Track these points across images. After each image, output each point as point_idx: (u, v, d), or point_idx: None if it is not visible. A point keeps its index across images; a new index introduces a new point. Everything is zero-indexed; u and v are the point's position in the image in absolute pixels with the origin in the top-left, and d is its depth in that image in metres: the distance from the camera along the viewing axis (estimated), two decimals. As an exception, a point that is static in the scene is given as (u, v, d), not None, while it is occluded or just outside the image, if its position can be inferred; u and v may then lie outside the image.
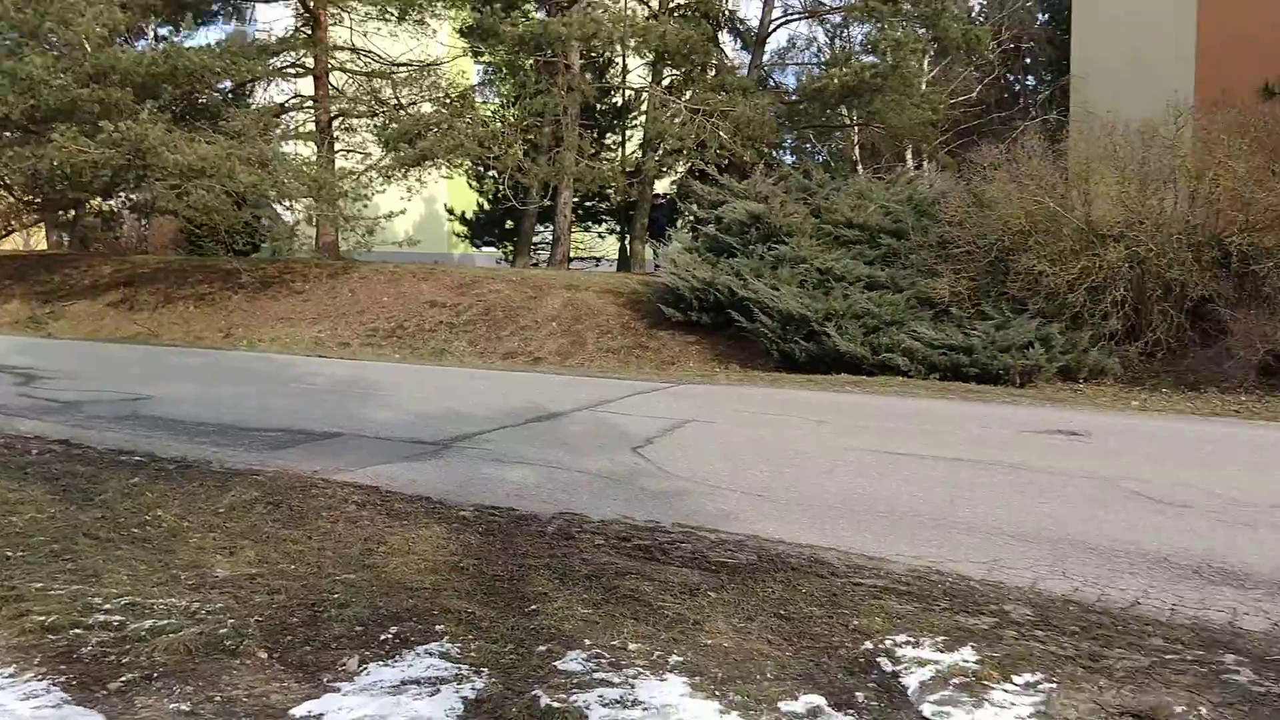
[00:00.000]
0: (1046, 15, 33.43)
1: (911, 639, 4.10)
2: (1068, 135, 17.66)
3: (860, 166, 28.28)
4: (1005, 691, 3.60)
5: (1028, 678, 3.72)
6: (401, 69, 23.92)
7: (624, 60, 27.85)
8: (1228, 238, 14.55)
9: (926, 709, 3.46)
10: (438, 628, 4.14)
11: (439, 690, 3.53)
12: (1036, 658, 3.94)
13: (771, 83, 29.70)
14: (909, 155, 29.42)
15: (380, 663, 3.79)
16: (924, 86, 27.72)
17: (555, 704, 3.42)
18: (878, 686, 3.66)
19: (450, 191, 31.99)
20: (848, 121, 29.33)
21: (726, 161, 22.91)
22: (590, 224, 30.75)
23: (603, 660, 3.80)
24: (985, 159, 16.93)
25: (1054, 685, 3.67)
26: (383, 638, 4.03)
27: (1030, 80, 36.51)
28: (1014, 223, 15.61)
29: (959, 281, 15.81)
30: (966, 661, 3.87)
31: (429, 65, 23.77)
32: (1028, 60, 35.35)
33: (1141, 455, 8.91)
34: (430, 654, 3.85)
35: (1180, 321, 14.62)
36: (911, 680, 3.69)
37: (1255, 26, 18.99)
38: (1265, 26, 18.43)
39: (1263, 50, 17.22)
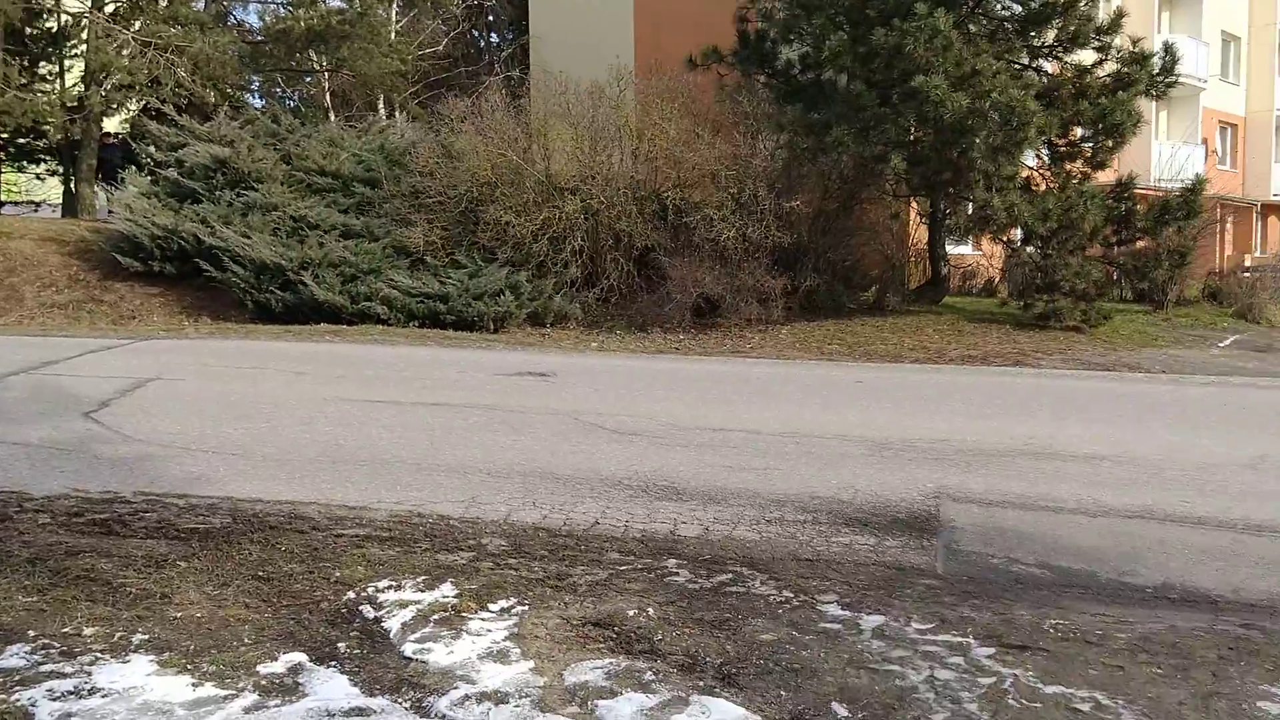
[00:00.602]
0: (507, -25, 34.73)
1: (394, 583, 4.19)
2: (529, 92, 18.63)
3: (332, 114, 27.59)
4: (482, 620, 3.82)
5: (502, 604, 3.98)
6: None
7: (55, -21, 24.57)
8: (664, 193, 16.32)
9: (408, 649, 3.57)
10: None
11: None
12: (510, 584, 4.22)
13: (233, 20, 27.92)
14: (380, 105, 29.25)
15: None
16: (393, 36, 27.66)
17: (-5, 707, 3.06)
18: (361, 634, 3.70)
19: None
20: (317, 67, 28.49)
21: (186, 101, 21.30)
22: (25, 164, 26.85)
23: (52, 650, 3.45)
24: (453, 112, 17.37)
25: (525, 608, 3.96)
26: None
27: (494, 37, 37.85)
28: (481, 174, 16.23)
29: (433, 231, 16.14)
30: (446, 597, 4.04)
31: None
32: (491, 18, 36.58)
33: (600, 391, 9.79)
34: None
35: (629, 269, 16.18)
36: (394, 623, 3.79)
37: (680, 6, 21.34)
38: (688, 8, 20.77)
39: (687, 27, 19.38)
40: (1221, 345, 15.59)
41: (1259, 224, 37.23)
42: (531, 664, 3.44)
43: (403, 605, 3.95)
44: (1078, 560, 4.80)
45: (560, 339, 14.75)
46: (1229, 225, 31.61)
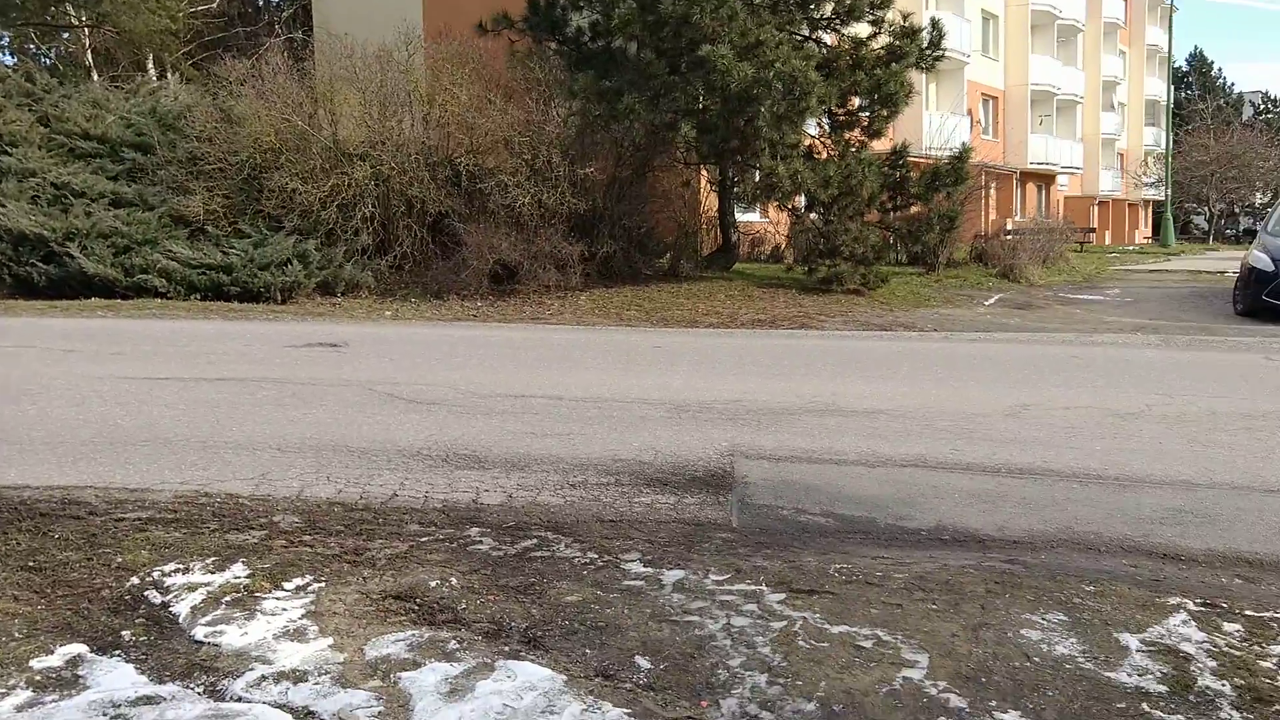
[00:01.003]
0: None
1: (181, 566, 4.01)
2: (312, 55, 17.93)
3: (95, 74, 25.70)
4: (277, 599, 3.70)
5: (298, 582, 3.87)
6: None
7: None
8: (458, 158, 16.09)
9: (199, 632, 3.43)
10: None
11: None
12: (305, 562, 4.10)
13: (-26, -33, 25.51)
14: (150, 65, 27.49)
15: None
16: (161, -9, 26.00)
17: None
18: (147, 621, 3.53)
19: None
20: (75, 22, 26.46)
21: (-79, 56, 19.42)
22: None
23: None
24: (231, 74, 16.53)
25: (322, 584, 3.86)
26: None
27: (274, -5, 36.13)
28: (264, 140, 15.56)
29: (213, 199, 15.38)
30: (238, 578, 3.90)
31: None
32: (269, -26, 34.91)
33: (395, 361, 9.60)
34: None
35: (423, 236, 15.90)
36: (182, 607, 3.63)
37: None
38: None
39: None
40: (987, 303, 16.75)
41: (1019, 190, 40.14)
42: (330, 640, 3.37)
43: (192, 588, 3.79)
44: (859, 508, 5.09)
45: (352, 308, 14.35)
46: (992, 191, 33.92)
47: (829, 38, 17.37)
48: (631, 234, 16.98)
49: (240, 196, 15.59)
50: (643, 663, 3.22)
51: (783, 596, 3.77)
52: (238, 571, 3.96)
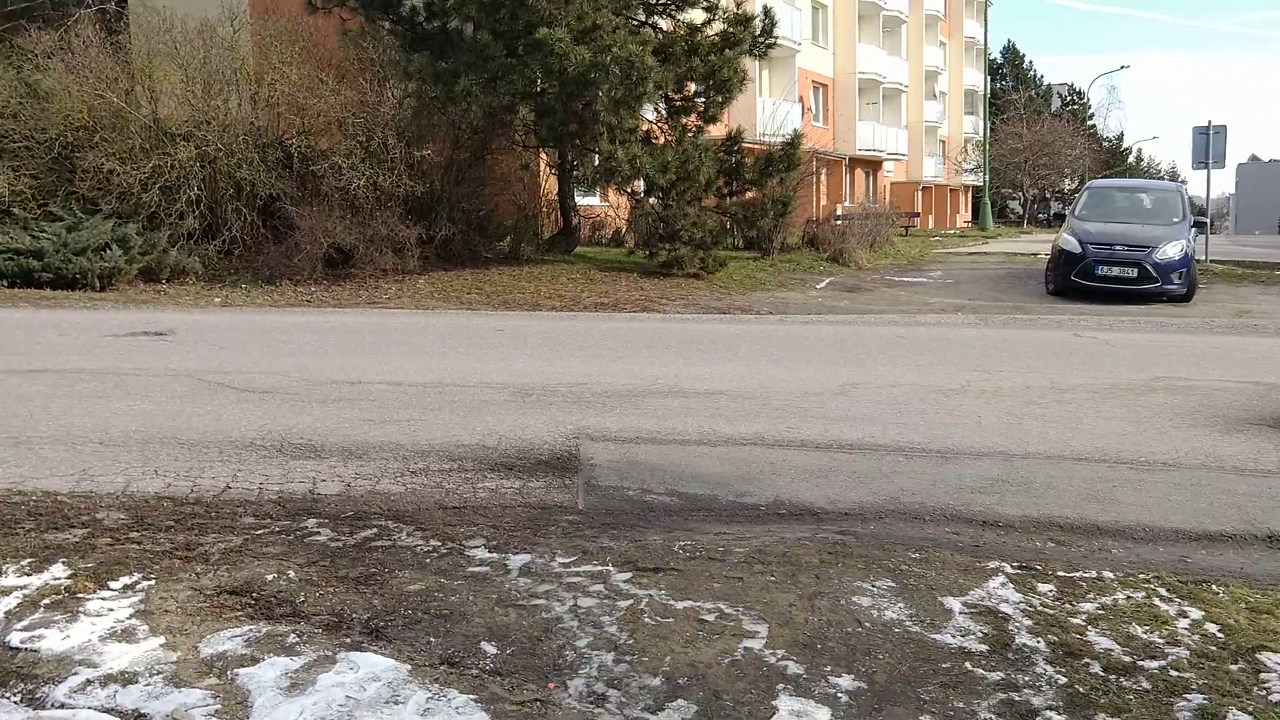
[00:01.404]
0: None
1: (-7, 570, 3.78)
2: (128, 28, 17.01)
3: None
4: (102, 600, 3.53)
5: (125, 581, 3.70)
6: None
7: None
8: (289, 140, 15.57)
9: (14, 638, 3.23)
10: None
11: None
12: (133, 559, 3.92)
13: None
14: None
15: None
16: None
17: None
18: (-45, 629, 3.31)
19: None
20: None
21: None
22: None
23: None
24: (37, 46, 15.51)
25: (152, 582, 3.70)
26: None
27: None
28: (76, 117, 14.71)
29: (20, 179, 14.46)
30: (58, 579, 3.70)
31: None
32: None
33: (226, 349, 9.25)
34: None
35: (253, 219, 15.33)
36: (-5, 612, 3.42)
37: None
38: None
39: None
40: (819, 287, 17.29)
41: (848, 176, 41.53)
42: (162, 640, 3.24)
43: (5, 592, 3.57)
44: (702, 486, 5.20)
45: (179, 295, 13.72)
46: (823, 177, 34.94)
47: (665, 23, 17.54)
48: (471, 217, 16.79)
49: (50, 177, 14.69)
50: (489, 648, 3.21)
51: (629, 575, 3.82)
52: (57, 572, 3.76)
